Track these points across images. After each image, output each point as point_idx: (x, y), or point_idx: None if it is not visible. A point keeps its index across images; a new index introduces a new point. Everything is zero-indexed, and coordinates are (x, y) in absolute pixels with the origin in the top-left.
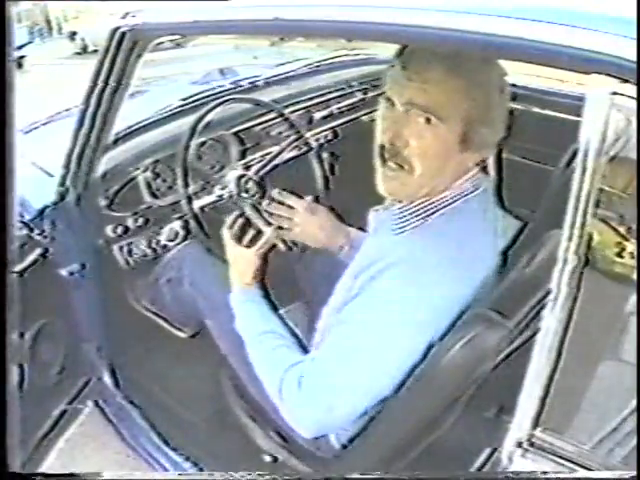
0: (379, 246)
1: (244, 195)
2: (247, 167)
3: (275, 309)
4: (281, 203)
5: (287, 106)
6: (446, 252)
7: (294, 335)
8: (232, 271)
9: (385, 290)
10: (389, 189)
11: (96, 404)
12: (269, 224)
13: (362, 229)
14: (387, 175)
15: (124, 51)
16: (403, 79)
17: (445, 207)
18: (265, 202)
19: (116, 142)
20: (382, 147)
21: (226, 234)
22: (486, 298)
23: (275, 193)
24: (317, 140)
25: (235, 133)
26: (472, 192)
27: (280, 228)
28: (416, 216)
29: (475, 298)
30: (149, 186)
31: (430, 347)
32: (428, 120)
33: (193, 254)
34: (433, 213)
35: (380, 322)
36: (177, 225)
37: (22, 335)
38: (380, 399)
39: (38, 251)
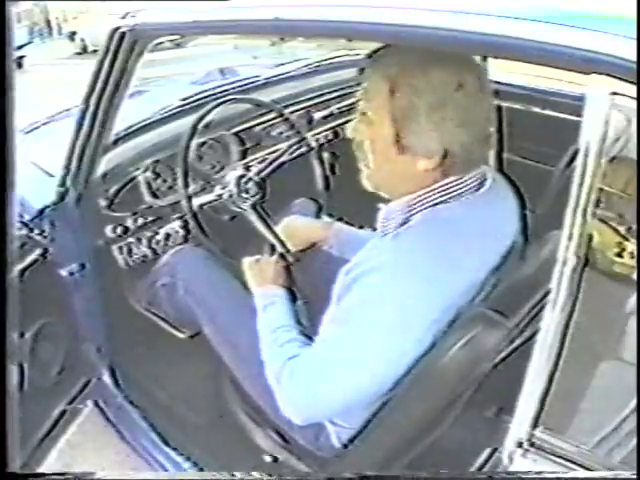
0: (368, 247)
1: (244, 195)
2: (247, 167)
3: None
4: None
5: (287, 106)
6: (426, 257)
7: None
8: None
9: (367, 292)
10: (364, 181)
11: (96, 404)
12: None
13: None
14: (361, 168)
15: (124, 51)
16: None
17: (420, 211)
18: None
19: (116, 142)
20: (353, 141)
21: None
22: (474, 301)
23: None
24: (317, 140)
25: (235, 133)
26: (451, 198)
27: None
28: (393, 218)
29: (462, 301)
30: (149, 186)
31: (421, 347)
32: (370, 121)
33: (185, 260)
34: (411, 216)
35: (364, 323)
36: (177, 225)
37: (22, 335)
38: (369, 396)
39: (38, 251)
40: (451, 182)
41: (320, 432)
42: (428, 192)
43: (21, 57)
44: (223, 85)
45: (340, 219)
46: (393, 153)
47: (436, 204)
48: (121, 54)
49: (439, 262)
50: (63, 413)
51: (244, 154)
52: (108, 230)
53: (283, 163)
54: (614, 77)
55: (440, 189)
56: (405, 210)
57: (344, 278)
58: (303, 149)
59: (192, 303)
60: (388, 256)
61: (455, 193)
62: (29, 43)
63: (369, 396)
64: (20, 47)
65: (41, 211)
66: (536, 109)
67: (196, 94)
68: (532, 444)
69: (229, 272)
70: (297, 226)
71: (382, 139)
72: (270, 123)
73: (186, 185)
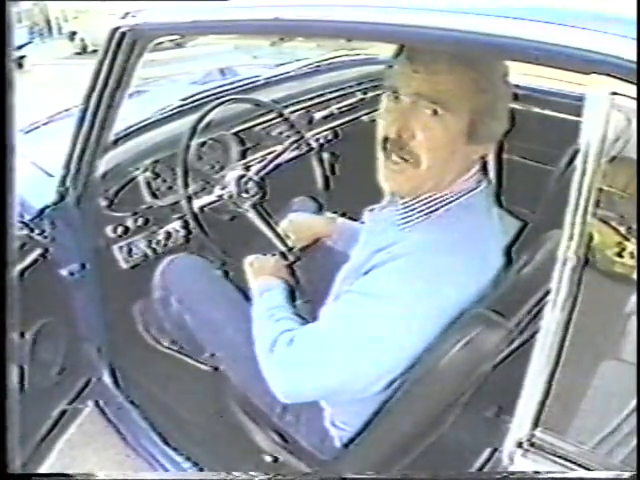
0: (383, 238)
1: (244, 195)
2: (247, 167)
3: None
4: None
5: (287, 106)
6: (452, 248)
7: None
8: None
9: (387, 282)
10: (393, 183)
11: (96, 404)
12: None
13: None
14: (391, 169)
15: (124, 51)
16: (409, 71)
17: (450, 203)
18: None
19: (116, 142)
20: (386, 140)
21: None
22: (488, 297)
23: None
24: (317, 140)
25: (235, 133)
26: (475, 189)
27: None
28: (420, 211)
29: (480, 296)
30: (149, 186)
31: (429, 344)
32: (435, 112)
33: (176, 271)
34: (438, 209)
35: (378, 312)
36: (177, 225)
37: (22, 335)
38: (364, 386)
39: (38, 251)
40: (479, 170)
41: (325, 436)
42: (468, 179)
43: (21, 57)
44: (223, 85)
45: (343, 214)
46: (461, 143)
47: (455, 200)
48: (121, 54)
49: (463, 255)
50: (63, 413)
51: (244, 154)
52: (108, 230)
53: (283, 163)
54: (614, 77)
55: (476, 176)
56: (428, 204)
57: (363, 268)
58: (303, 149)
59: (185, 314)
60: (410, 246)
61: (482, 180)
62: (29, 43)
63: (364, 385)
64: (20, 47)
65: (41, 211)
66: (536, 109)
67: (196, 94)
68: (532, 444)
69: (222, 278)
70: (301, 222)
71: (454, 130)
72: (270, 123)
73: (186, 185)
